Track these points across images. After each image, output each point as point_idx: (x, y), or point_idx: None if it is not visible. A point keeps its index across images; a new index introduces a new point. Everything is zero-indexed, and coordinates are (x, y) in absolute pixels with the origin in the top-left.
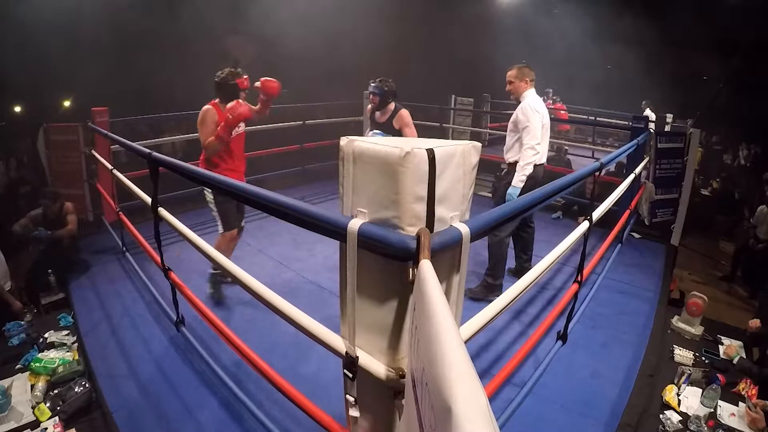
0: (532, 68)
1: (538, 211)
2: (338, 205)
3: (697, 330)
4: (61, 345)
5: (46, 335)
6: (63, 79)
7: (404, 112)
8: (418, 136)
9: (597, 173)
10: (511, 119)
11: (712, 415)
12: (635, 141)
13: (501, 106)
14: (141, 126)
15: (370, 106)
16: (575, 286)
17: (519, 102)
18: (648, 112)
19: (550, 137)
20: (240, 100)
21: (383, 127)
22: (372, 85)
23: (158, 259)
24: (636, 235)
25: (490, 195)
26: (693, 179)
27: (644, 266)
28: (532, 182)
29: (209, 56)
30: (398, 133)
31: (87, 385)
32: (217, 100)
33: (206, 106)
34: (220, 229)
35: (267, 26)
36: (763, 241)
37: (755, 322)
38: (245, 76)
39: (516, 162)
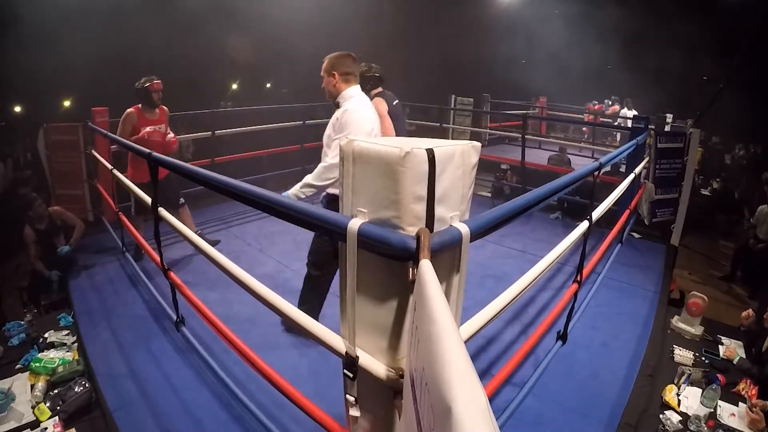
0: (354, 58)
1: (536, 211)
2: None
3: (697, 330)
4: (61, 345)
5: (46, 335)
6: (63, 79)
7: (375, 101)
8: (419, 137)
9: (596, 173)
10: (327, 128)
11: (712, 415)
12: (634, 141)
13: (501, 106)
14: None
15: None
16: (575, 286)
17: (338, 105)
18: (625, 110)
19: (560, 138)
20: (157, 128)
21: None
22: None
23: (158, 259)
24: (636, 235)
25: (489, 195)
26: (693, 179)
27: (644, 266)
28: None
29: (209, 56)
30: None
31: (87, 385)
32: (139, 105)
33: (129, 109)
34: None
35: (266, 27)
36: (763, 241)
37: (748, 313)
38: (156, 81)
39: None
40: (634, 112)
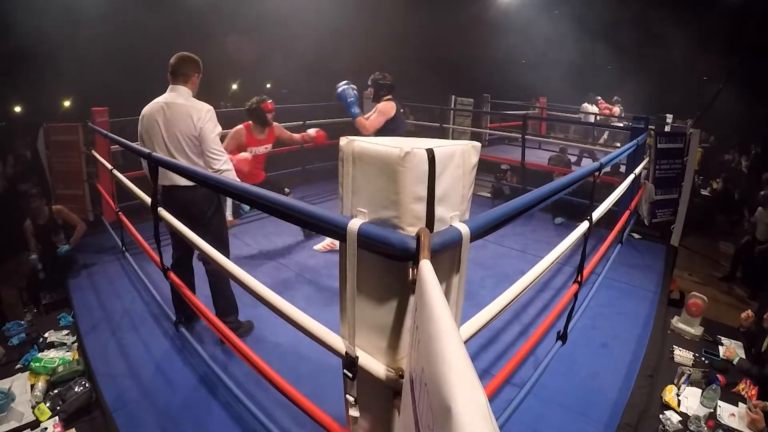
0: (183, 57)
1: (537, 212)
2: (338, 205)
3: (696, 330)
4: (61, 345)
5: (46, 335)
6: (63, 79)
7: (381, 104)
8: (419, 137)
9: (596, 173)
10: None
11: (712, 416)
12: (635, 141)
13: (501, 106)
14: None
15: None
16: (575, 286)
17: None
18: (586, 105)
19: (560, 138)
20: (248, 156)
21: None
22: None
23: (158, 259)
24: (636, 236)
25: (489, 195)
26: (693, 179)
27: (644, 266)
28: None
29: (209, 56)
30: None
31: (87, 385)
32: (250, 123)
33: (239, 126)
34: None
35: (266, 27)
36: (762, 241)
37: (747, 314)
38: (270, 101)
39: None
40: (596, 108)
